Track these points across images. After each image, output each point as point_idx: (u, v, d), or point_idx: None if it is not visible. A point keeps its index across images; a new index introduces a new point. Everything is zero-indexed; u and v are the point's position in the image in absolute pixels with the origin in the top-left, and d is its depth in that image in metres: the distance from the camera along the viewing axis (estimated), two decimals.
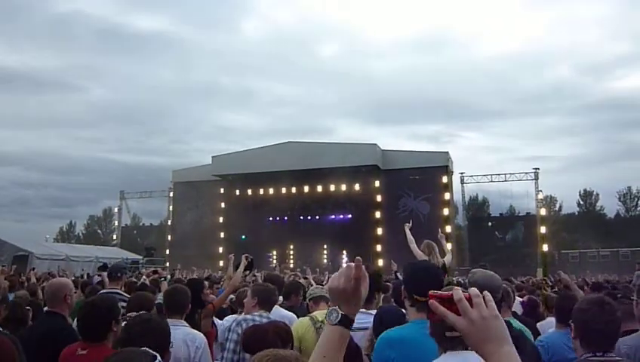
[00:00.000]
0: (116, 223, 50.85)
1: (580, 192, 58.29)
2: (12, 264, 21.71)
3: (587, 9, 78.22)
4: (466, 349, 2.05)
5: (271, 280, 5.43)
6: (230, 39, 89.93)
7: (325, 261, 35.36)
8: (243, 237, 35.07)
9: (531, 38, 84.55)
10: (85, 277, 15.51)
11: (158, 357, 1.69)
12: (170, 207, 41.10)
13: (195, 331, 3.85)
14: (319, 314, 4.23)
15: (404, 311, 3.38)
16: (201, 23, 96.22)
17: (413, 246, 6.39)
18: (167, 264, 35.09)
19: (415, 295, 2.65)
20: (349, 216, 35.89)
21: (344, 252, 35.54)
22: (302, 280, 7.95)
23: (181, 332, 3.64)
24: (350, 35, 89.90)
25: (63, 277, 10.42)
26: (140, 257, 35.17)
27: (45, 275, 13.83)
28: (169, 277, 13.00)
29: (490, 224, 41.01)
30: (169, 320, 3.65)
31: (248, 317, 3.84)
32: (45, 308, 4.39)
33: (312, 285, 6.80)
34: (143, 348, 1.77)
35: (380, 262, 31.64)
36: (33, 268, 18.35)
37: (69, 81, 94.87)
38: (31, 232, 72.64)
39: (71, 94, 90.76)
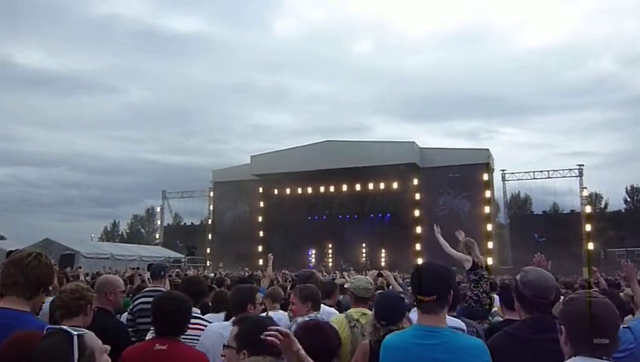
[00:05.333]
0: (159, 222, 51.89)
1: (626, 188, 56.40)
2: (59, 262, 22.50)
3: None
4: (601, 358, 2.04)
5: (305, 277, 5.49)
6: (263, 38, 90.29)
7: (364, 259, 35.28)
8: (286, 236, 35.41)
9: (571, 30, 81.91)
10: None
11: (75, 336, 1.59)
12: (211, 207, 41.78)
13: None
14: (355, 312, 4.23)
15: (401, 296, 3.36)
16: (233, 22, 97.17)
17: (449, 249, 6.14)
18: (208, 262, 35.71)
19: (419, 295, 2.54)
20: (388, 214, 35.75)
21: (383, 250, 35.43)
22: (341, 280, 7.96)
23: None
24: (384, 31, 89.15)
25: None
26: (182, 256, 35.84)
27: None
28: (212, 275, 13.25)
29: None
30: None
31: (306, 318, 3.84)
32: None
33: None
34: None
35: (420, 261, 31.39)
36: (80, 267, 18.94)
37: (108, 82, 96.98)
38: (76, 231, 74.88)
39: (110, 96, 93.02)
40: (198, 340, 3.74)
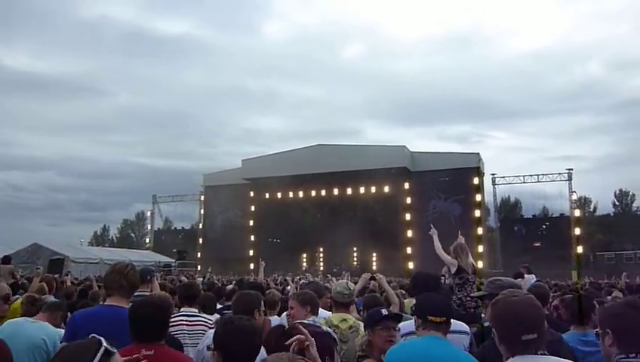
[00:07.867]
0: (149, 227, 51.62)
1: (615, 192, 56.98)
2: (48, 267, 22.31)
3: (617, 3, 75.93)
4: (535, 353, 2.10)
5: (304, 283, 5.54)
6: (254, 42, 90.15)
7: (355, 263, 35.28)
8: (278, 240, 35.38)
9: (561, 35, 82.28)
10: None
11: (104, 343, 1.65)
12: (202, 211, 41.63)
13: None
14: (335, 317, 4.27)
15: (383, 311, 3.38)
16: (225, 26, 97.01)
17: (441, 252, 6.27)
18: (199, 267, 35.55)
19: (430, 316, 2.98)
20: (379, 218, 35.78)
21: (374, 254, 35.45)
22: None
23: None
24: (376, 35, 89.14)
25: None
26: (173, 260, 35.65)
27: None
28: (201, 279, 13.19)
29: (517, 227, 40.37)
30: None
31: (305, 322, 3.86)
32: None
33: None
34: (89, 337, 1.77)
35: (411, 265, 31.44)
36: (69, 272, 18.75)
37: (98, 85, 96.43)
38: (66, 236, 74.38)
39: (100, 99, 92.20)
40: (204, 333, 4.32)
